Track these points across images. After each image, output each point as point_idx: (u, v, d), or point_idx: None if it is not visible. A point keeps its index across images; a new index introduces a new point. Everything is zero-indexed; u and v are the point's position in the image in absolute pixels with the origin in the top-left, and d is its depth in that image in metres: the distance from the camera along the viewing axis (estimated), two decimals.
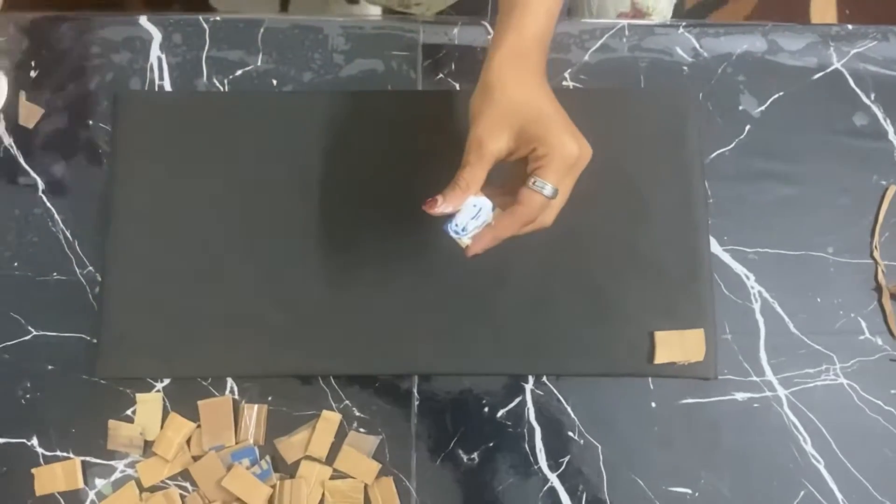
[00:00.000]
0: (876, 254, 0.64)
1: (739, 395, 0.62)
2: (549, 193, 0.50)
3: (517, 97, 0.51)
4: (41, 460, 0.61)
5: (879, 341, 0.63)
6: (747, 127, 0.67)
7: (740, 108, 0.67)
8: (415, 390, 0.63)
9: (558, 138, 0.50)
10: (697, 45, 0.69)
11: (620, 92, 0.68)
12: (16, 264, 0.64)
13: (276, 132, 0.66)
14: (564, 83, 0.68)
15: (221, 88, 0.67)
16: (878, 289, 0.64)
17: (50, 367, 0.63)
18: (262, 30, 0.69)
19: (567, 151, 0.50)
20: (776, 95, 0.68)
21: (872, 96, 0.67)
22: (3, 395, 0.62)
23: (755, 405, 0.62)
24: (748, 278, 0.64)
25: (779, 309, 0.64)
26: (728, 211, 0.65)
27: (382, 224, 0.64)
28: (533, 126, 0.50)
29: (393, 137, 0.65)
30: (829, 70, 0.68)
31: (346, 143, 0.65)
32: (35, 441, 0.62)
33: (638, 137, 0.65)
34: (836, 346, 0.63)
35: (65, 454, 0.61)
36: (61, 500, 0.61)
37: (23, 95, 0.67)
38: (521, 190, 0.50)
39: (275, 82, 0.68)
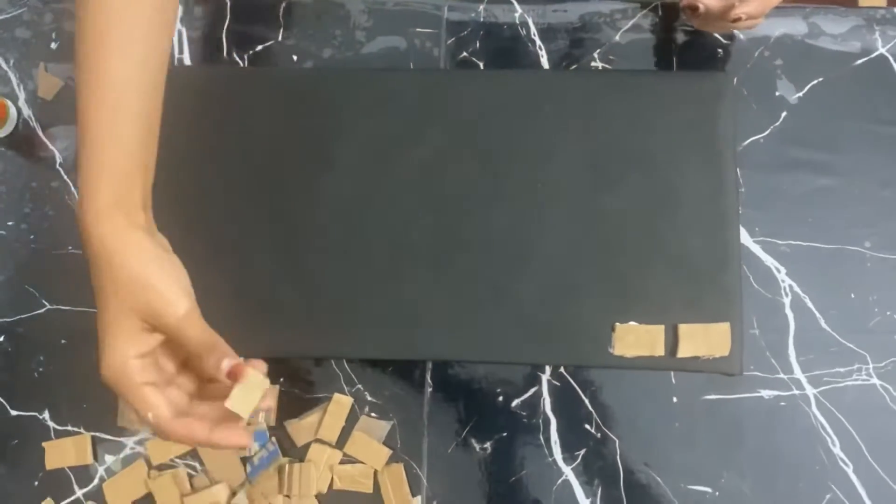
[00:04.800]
0: None
1: (765, 393, 0.60)
2: None
3: None
4: (52, 434, 0.61)
5: None
6: (783, 114, 0.64)
7: (777, 93, 0.64)
8: (428, 377, 0.61)
9: None
10: None
11: (652, 74, 0.65)
12: (32, 237, 0.64)
13: (296, 109, 0.64)
14: (593, 64, 0.65)
15: (241, 63, 0.66)
16: None
17: (63, 341, 0.62)
18: (283, 4, 0.67)
19: None
20: (815, 81, 0.64)
21: None
22: (16, 368, 0.62)
23: (781, 403, 0.60)
24: (779, 271, 0.62)
25: (810, 304, 0.61)
26: (760, 201, 0.63)
27: (402, 205, 0.62)
28: None
29: (414, 117, 0.64)
30: (873, 55, 0.65)
31: (366, 123, 0.64)
32: (47, 415, 0.61)
33: (669, 122, 0.63)
34: (870, 345, 0.60)
35: (76, 429, 0.61)
36: (71, 475, 0.61)
37: (42, 67, 0.66)
38: None
39: (295, 58, 0.66)
